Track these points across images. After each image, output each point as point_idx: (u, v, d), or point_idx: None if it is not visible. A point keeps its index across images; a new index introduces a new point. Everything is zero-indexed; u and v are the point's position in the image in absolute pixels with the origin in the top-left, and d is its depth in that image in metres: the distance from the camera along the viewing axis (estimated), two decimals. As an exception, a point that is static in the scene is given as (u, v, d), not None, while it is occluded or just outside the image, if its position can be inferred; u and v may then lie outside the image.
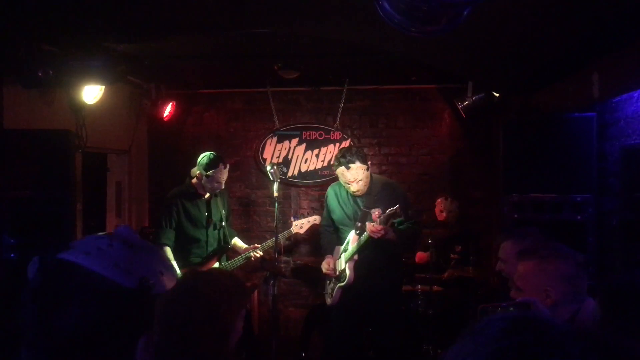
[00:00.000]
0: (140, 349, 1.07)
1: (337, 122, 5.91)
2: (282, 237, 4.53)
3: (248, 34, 3.88)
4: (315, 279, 4.69)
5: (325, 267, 4.00)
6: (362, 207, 3.88)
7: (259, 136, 6.00)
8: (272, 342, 4.17)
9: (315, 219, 4.68)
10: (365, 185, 3.84)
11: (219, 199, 4.40)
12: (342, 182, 3.92)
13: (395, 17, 2.00)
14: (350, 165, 3.77)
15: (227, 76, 5.62)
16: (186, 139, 6.03)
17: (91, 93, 4.36)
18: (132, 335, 1.06)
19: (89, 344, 1.02)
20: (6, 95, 3.73)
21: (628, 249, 3.19)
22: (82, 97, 4.33)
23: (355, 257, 3.84)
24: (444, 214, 5.23)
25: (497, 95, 4.93)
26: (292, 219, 4.84)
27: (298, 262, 5.93)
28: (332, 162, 4.03)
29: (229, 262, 4.42)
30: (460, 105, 5.32)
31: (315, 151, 5.86)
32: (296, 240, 5.80)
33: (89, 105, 4.43)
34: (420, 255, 5.18)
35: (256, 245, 4.46)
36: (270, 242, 4.43)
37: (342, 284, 3.90)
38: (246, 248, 4.47)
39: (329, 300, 4.05)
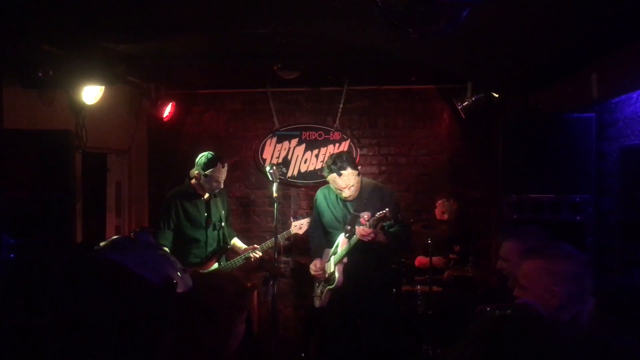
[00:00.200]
0: (163, 344, 1.09)
1: (337, 123, 5.92)
2: (281, 237, 4.53)
3: (248, 34, 3.88)
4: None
5: (313, 269, 4.01)
6: (351, 211, 3.89)
7: (258, 136, 6.01)
8: (271, 342, 4.17)
9: (314, 219, 4.68)
10: (356, 191, 3.86)
11: (218, 199, 4.40)
12: (333, 188, 3.92)
13: (394, 17, 2.01)
14: (342, 172, 3.77)
15: (226, 76, 5.63)
16: (186, 139, 6.04)
17: (91, 93, 4.37)
18: (157, 330, 1.09)
19: (117, 336, 1.04)
20: (6, 95, 3.73)
21: (627, 249, 3.19)
22: (82, 97, 4.34)
23: (345, 260, 3.85)
24: (446, 215, 5.23)
25: (497, 95, 4.94)
26: (291, 219, 4.84)
27: (297, 262, 5.93)
28: (322, 168, 4.02)
29: (229, 262, 4.42)
30: (459, 105, 5.32)
31: (315, 151, 5.86)
32: (295, 241, 5.80)
33: (89, 105, 4.43)
34: (421, 260, 5.19)
35: (255, 245, 4.46)
36: (269, 243, 4.44)
37: (331, 286, 3.91)
38: (245, 248, 4.47)
39: (317, 303, 4.06)
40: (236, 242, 4.57)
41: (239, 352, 1.83)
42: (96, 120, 4.65)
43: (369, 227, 3.59)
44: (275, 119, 5.97)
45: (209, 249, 4.34)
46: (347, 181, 3.79)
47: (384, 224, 3.71)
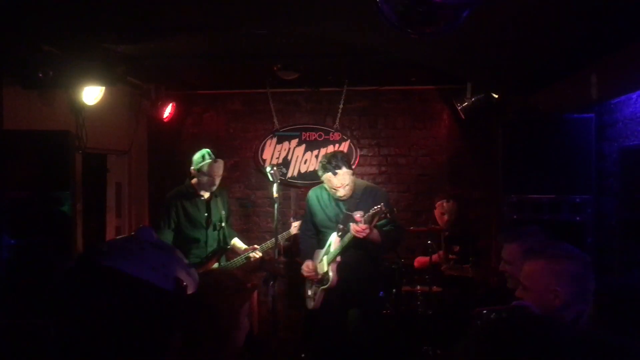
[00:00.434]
0: (172, 346, 1.10)
1: (337, 123, 5.92)
2: (281, 238, 4.54)
3: (247, 35, 3.88)
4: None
5: (305, 270, 4.01)
6: (344, 210, 3.89)
7: (258, 137, 6.01)
8: (271, 343, 4.17)
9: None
10: (350, 190, 3.88)
11: (218, 199, 4.41)
12: (327, 188, 3.93)
13: (394, 18, 2.01)
14: (337, 171, 3.79)
15: (226, 77, 5.63)
16: (186, 140, 6.04)
17: (91, 94, 4.37)
18: (167, 334, 1.10)
19: (126, 343, 1.04)
20: (6, 95, 3.73)
21: (627, 250, 3.19)
22: (82, 97, 4.34)
23: (338, 259, 3.86)
24: (445, 217, 5.23)
25: (496, 96, 4.94)
26: (291, 219, 4.84)
27: (298, 262, 5.93)
28: (316, 168, 4.03)
29: (229, 262, 4.42)
30: (459, 106, 5.33)
31: (315, 152, 5.86)
32: (295, 241, 5.80)
33: (89, 106, 4.43)
34: (420, 260, 5.18)
35: (256, 246, 4.46)
36: (269, 243, 4.44)
37: (324, 286, 3.92)
38: (245, 249, 4.47)
39: (311, 304, 4.06)
40: (236, 242, 4.57)
41: (247, 348, 1.84)
42: (96, 121, 4.65)
43: (364, 223, 3.60)
44: (275, 120, 5.97)
45: (209, 249, 4.34)
46: (342, 180, 3.81)
47: (379, 222, 3.71)
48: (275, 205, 4.18)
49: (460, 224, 5.29)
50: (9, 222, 3.54)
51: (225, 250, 4.45)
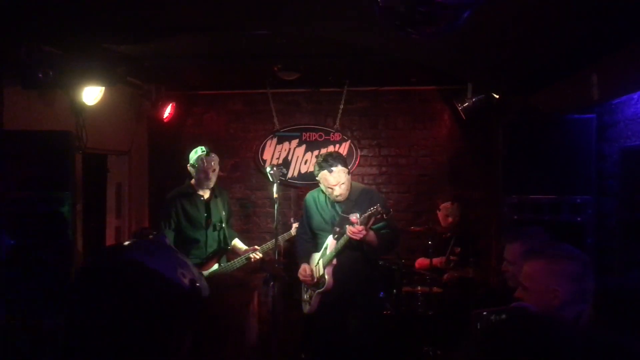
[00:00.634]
0: (184, 346, 1.10)
1: (337, 124, 5.92)
2: (281, 238, 4.53)
3: (248, 35, 3.88)
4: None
5: (301, 274, 3.97)
6: (340, 213, 3.88)
7: (258, 137, 6.01)
8: (272, 343, 4.17)
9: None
10: (347, 190, 3.85)
11: (218, 199, 4.40)
12: (324, 188, 3.91)
13: (394, 18, 2.01)
14: (332, 168, 3.79)
15: (227, 77, 5.63)
16: (186, 140, 6.03)
17: (91, 94, 4.37)
18: (182, 334, 1.10)
19: (142, 339, 1.04)
20: (6, 96, 3.73)
21: (627, 250, 3.19)
22: (82, 98, 4.34)
23: (334, 261, 3.83)
24: (450, 219, 5.23)
25: (497, 96, 4.94)
26: (292, 220, 4.83)
27: (298, 263, 5.92)
28: (313, 169, 4.02)
29: (229, 263, 4.42)
30: (459, 106, 5.33)
31: (315, 152, 5.86)
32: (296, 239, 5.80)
33: (89, 106, 4.43)
34: (421, 262, 5.18)
35: (256, 247, 4.46)
36: (270, 244, 4.43)
37: (320, 289, 3.89)
38: (246, 249, 4.46)
39: (307, 308, 4.02)
40: (237, 243, 4.57)
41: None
42: (96, 121, 4.65)
43: (360, 224, 3.59)
44: (275, 120, 5.97)
45: (209, 250, 4.34)
46: (337, 178, 3.79)
47: (375, 225, 3.69)
48: (276, 206, 4.18)
49: (461, 224, 5.29)
50: (9, 222, 3.54)
51: (225, 250, 4.44)
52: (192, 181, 4.35)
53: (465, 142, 5.82)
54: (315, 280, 3.93)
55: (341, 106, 5.89)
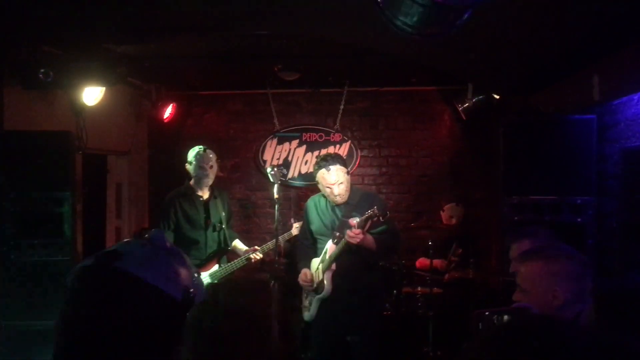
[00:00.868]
0: (179, 355, 1.10)
1: (337, 124, 5.92)
2: (282, 239, 4.53)
3: (248, 36, 3.88)
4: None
5: (302, 279, 3.91)
6: (340, 217, 3.82)
7: (259, 138, 6.01)
8: (272, 344, 4.16)
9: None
10: (346, 191, 3.79)
11: (218, 200, 4.40)
12: (323, 188, 3.85)
13: (395, 19, 2.01)
14: (330, 167, 3.74)
15: (227, 77, 5.63)
16: (186, 141, 6.02)
17: (91, 94, 4.37)
18: (171, 343, 1.09)
19: (131, 351, 1.04)
20: (7, 96, 3.73)
21: (627, 251, 3.19)
22: (82, 98, 4.34)
23: (333, 266, 3.76)
24: (454, 220, 5.22)
25: (497, 96, 4.94)
26: (292, 220, 4.83)
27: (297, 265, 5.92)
28: (313, 170, 3.98)
29: (229, 264, 4.41)
30: (460, 106, 5.33)
31: (316, 153, 5.86)
32: (296, 243, 5.80)
33: (90, 106, 4.43)
34: (422, 262, 5.18)
35: (256, 247, 4.45)
36: (270, 244, 4.43)
37: (320, 295, 3.82)
38: (246, 250, 4.46)
39: (307, 314, 3.95)
40: (237, 243, 4.56)
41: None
42: (96, 122, 4.65)
43: (357, 228, 3.55)
44: (275, 120, 5.97)
45: (209, 251, 4.33)
46: (336, 176, 3.74)
47: (374, 230, 3.65)
48: (276, 207, 4.17)
49: (464, 225, 5.30)
50: (10, 223, 3.54)
51: (225, 251, 4.44)
52: (191, 182, 4.35)
53: (465, 143, 5.82)
54: (315, 285, 3.88)
55: (341, 106, 5.89)
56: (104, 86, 4.31)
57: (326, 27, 3.39)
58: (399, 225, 4.63)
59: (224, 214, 4.41)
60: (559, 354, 0.69)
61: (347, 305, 3.78)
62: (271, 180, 4.19)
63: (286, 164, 5.88)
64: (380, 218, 3.51)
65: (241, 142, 6.06)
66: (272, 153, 5.96)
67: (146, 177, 6.07)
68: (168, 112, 5.65)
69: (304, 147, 5.93)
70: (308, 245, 4.06)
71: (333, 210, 3.89)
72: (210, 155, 4.32)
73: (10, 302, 3.50)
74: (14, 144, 3.59)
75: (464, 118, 5.40)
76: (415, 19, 1.94)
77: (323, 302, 3.83)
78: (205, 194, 4.37)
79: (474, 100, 5.19)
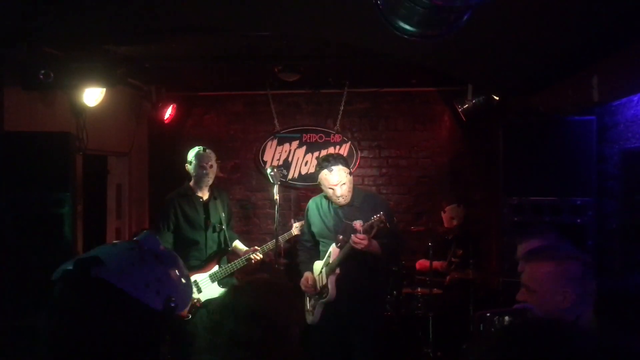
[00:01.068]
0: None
1: (337, 125, 5.92)
2: (282, 239, 4.53)
3: (248, 37, 3.88)
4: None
5: (304, 283, 3.87)
6: (343, 219, 3.76)
7: (259, 139, 6.01)
8: (272, 344, 4.14)
9: (315, 221, 4.66)
10: (349, 192, 3.74)
11: (218, 201, 4.40)
12: (325, 189, 3.79)
13: (395, 20, 2.01)
14: (332, 167, 3.68)
15: (227, 79, 5.63)
16: (186, 142, 6.01)
17: (92, 95, 4.37)
18: (151, 351, 1.10)
19: (108, 354, 1.04)
20: (7, 97, 3.73)
21: (627, 252, 3.19)
22: (82, 99, 4.34)
23: (338, 270, 3.70)
24: (455, 221, 5.22)
25: (497, 97, 4.94)
26: (292, 221, 4.83)
27: (298, 264, 5.92)
28: (313, 170, 3.95)
29: (229, 264, 4.41)
30: (460, 107, 5.33)
31: (316, 154, 5.86)
32: (296, 243, 5.80)
33: (90, 107, 4.43)
34: (422, 263, 5.18)
35: (256, 247, 4.44)
36: (270, 245, 4.42)
37: (324, 299, 3.77)
38: (246, 250, 4.45)
39: (310, 319, 3.87)
40: (237, 244, 4.56)
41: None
42: (97, 123, 4.65)
43: (363, 233, 3.52)
44: (275, 121, 5.98)
45: (209, 251, 4.33)
46: (338, 177, 3.69)
47: (378, 236, 3.61)
48: (276, 207, 4.18)
49: (464, 226, 5.29)
50: (10, 224, 3.54)
51: (225, 252, 4.43)
52: (191, 182, 4.35)
53: (465, 144, 5.82)
54: (318, 289, 3.84)
55: (341, 107, 5.89)
56: (104, 87, 4.31)
57: (326, 28, 3.39)
58: (399, 226, 4.63)
59: (223, 214, 4.41)
60: (562, 356, 0.70)
61: (351, 308, 3.74)
62: (271, 181, 4.20)
63: (286, 165, 5.89)
64: (387, 224, 3.48)
65: (241, 143, 6.06)
66: (272, 154, 5.96)
67: (146, 177, 6.07)
68: (168, 113, 5.65)
69: (304, 148, 5.93)
70: (309, 247, 4.02)
71: (335, 211, 3.83)
72: (210, 155, 4.32)
73: (11, 302, 3.50)
74: (14, 144, 3.59)
75: (464, 119, 5.40)
76: (415, 21, 1.94)
77: (327, 306, 3.78)
78: (205, 194, 4.36)
79: (473, 101, 5.19)
